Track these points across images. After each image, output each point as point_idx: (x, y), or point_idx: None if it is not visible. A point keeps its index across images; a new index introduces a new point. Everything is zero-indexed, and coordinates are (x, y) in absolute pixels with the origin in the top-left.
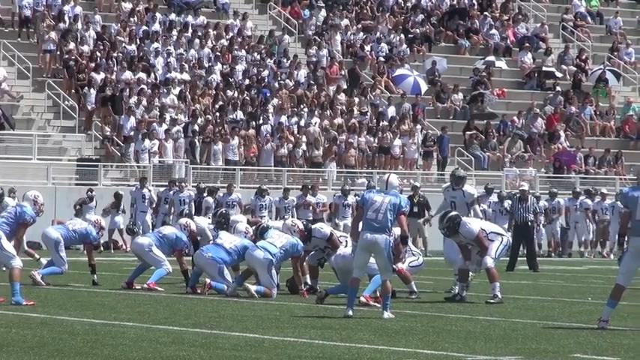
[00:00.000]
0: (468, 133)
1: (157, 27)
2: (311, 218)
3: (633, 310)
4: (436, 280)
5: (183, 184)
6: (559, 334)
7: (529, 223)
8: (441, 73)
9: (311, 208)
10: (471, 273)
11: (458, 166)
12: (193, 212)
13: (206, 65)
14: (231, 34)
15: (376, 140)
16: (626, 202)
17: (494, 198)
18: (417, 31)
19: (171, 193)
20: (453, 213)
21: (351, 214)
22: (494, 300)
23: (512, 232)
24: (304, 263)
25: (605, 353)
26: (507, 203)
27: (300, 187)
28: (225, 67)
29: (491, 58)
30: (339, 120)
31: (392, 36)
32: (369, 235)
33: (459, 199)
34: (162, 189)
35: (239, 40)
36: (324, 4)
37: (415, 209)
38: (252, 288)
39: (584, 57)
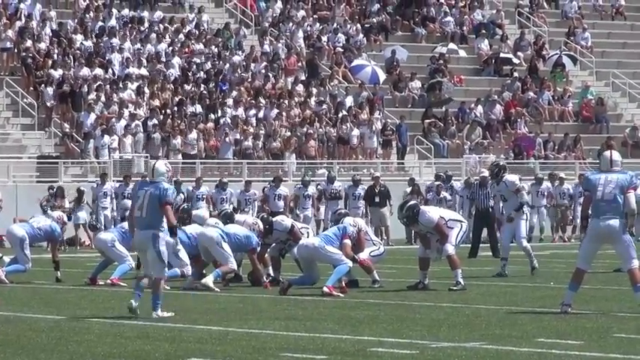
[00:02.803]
0: (426, 121)
1: (113, 22)
2: (282, 210)
3: (595, 293)
4: (398, 268)
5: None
6: (522, 320)
7: (490, 209)
8: (400, 63)
9: (282, 199)
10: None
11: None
12: None
13: (164, 60)
14: (188, 27)
15: (335, 130)
16: (587, 186)
17: (457, 185)
18: (374, 20)
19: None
20: (412, 202)
21: (312, 205)
22: (457, 287)
23: (474, 219)
24: (265, 255)
25: (569, 337)
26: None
27: (260, 179)
28: (183, 61)
29: (453, 46)
30: (297, 111)
31: (348, 26)
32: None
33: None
34: (118, 185)
35: (196, 33)
36: None
37: (377, 199)
38: (209, 280)
39: (540, 42)
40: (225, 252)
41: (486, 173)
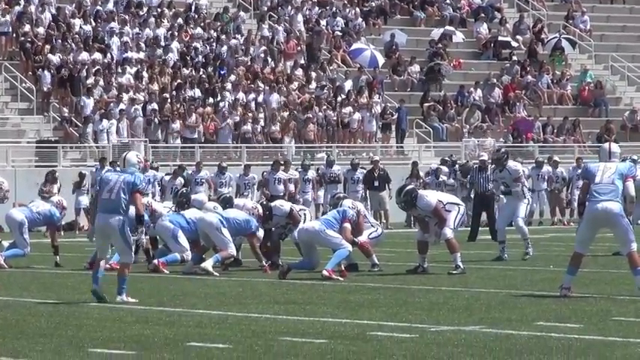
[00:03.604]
0: (426, 104)
1: (111, 7)
2: (282, 194)
3: (595, 276)
4: (398, 252)
5: (147, 162)
6: (522, 303)
7: (488, 193)
8: (400, 47)
9: (282, 183)
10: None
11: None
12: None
13: (163, 44)
14: (186, 12)
15: (335, 114)
16: (586, 175)
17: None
18: (373, 4)
19: None
20: (410, 187)
21: (312, 189)
22: (457, 271)
23: (473, 202)
24: (268, 243)
25: (568, 320)
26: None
27: (262, 163)
28: (182, 45)
29: (450, 28)
30: (297, 94)
31: (347, 10)
32: None
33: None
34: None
35: (195, 17)
36: None
37: (376, 183)
38: (209, 264)
39: (539, 26)
40: (224, 237)
41: (486, 157)
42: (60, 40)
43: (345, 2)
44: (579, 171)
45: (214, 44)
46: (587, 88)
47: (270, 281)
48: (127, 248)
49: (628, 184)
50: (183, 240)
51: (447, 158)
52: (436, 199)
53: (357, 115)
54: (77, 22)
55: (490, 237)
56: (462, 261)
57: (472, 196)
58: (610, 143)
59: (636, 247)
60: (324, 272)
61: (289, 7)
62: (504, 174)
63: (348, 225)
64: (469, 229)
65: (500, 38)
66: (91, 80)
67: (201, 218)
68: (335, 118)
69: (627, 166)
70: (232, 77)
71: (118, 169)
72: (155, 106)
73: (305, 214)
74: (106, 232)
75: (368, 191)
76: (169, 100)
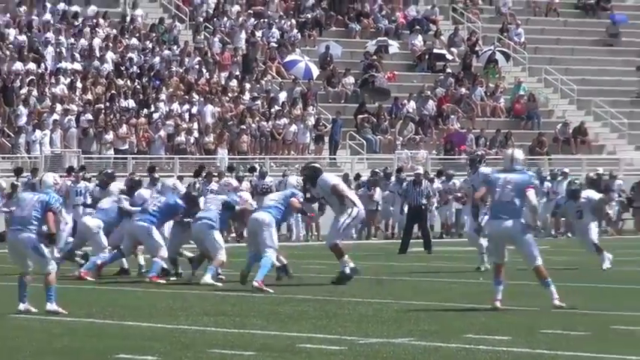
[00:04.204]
0: (359, 116)
1: (47, 17)
2: None
3: (522, 289)
4: (327, 264)
5: (80, 174)
6: (451, 315)
7: (422, 207)
8: (334, 58)
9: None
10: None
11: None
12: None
13: (97, 54)
14: (121, 23)
15: (269, 125)
16: (487, 183)
17: (392, 179)
18: (308, 16)
19: (69, 183)
20: (317, 164)
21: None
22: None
23: (407, 215)
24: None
25: (497, 333)
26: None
27: (193, 174)
28: (117, 55)
29: (383, 39)
30: (231, 106)
31: (283, 22)
32: None
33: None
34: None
35: (130, 28)
36: None
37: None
38: (208, 279)
39: (474, 38)
40: (217, 242)
41: (421, 170)
42: None
43: (281, 14)
44: None
45: (149, 55)
46: (520, 100)
47: (200, 293)
48: (44, 260)
49: (528, 194)
50: (157, 236)
51: (377, 170)
52: (339, 181)
53: (292, 127)
54: (12, 31)
55: (423, 249)
56: (349, 265)
57: (405, 208)
58: (513, 149)
59: (541, 260)
60: (255, 284)
61: (225, 19)
62: (474, 177)
63: (295, 200)
64: (400, 241)
65: (434, 50)
66: (24, 90)
67: (194, 228)
68: (269, 130)
69: (526, 178)
70: (167, 88)
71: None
72: (89, 116)
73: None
74: (17, 248)
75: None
76: (103, 111)
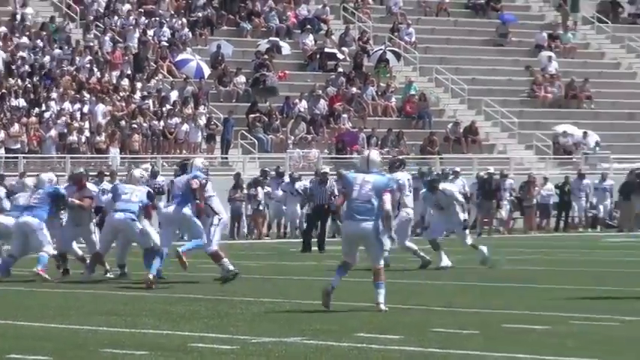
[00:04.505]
0: (251, 116)
1: None
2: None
3: (414, 288)
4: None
5: None
6: (343, 314)
7: (326, 206)
8: (226, 58)
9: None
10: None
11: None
12: None
13: None
14: (11, 21)
15: (160, 124)
16: (344, 184)
17: (286, 179)
18: (199, 14)
19: None
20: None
21: None
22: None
23: (311, 214)
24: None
25: (389, 332)
26: (300, 184)
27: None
28: (7, 54)
29: (275, 39)
30: (122, 105)
31: (174, 20)
32: None
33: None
34: None
35: (21, 27)
36: None
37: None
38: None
39: (365, 38)
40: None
41: (327, 169)
42: None
43: (172, 12)
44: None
45: (40, 54)
46: (411, 100)
47: (93, 292)
48: None
49: (385, 198)
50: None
51: (266, 169)
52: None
53: (184, 127)
54: None
55: (318, 248)
56: (229, 268)
57: (304, 209)
58: (370, 151)
59: (383, 263)
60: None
61: (115, 17)
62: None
63: (193, 180)
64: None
65: (326, 50)
66: None
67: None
68: (160, 129)
69: (384, 180)
70: (58, 87)
71: None
72: None
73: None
74: None
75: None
76: None
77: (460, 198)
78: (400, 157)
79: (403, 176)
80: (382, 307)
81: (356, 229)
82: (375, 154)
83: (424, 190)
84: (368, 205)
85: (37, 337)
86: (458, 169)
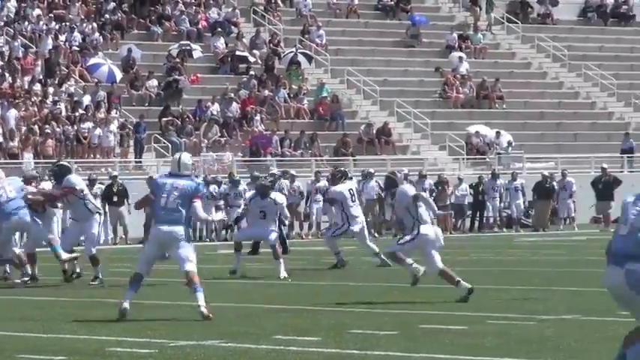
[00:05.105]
0: (164, 119)
1: None
2: None
3: (331, 289)
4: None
5: None
6: (260, 317)
7: None
8: (137, 61)
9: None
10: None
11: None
12: None
13: None
14: None
15: (74, 129)
16: (153, 188)
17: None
18: (110, 18)
19: None
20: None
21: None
22: (96, 282)
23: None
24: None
25: (306, 334)
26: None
27: None
28: None
29: (186, 42)
30: (35, 110)
31: (85, 25)
32: None
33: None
34: None
35: None
36: None
37: (115, 198)
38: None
39: (276, 40)
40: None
41: (276, 171)
42: None
43: (82, 17)
44: (318, 184)
45: None
46: (323, 102)
47: (8, 298)
48: None
49: (196, 205)
50: None
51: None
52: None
53: (97, 131)
54: None
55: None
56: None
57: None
58: (181, 154)
59: (194, 267)
60: None
61: (26, 22)
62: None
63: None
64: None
65: (237, 53)
66: None
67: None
68: (74, 133)
69: (194, 185)
70: None
71: None
72: None
73: None
74: None
75: (107, 206)
76: None
77: (286, 212)
78: (342, 168)
79: (345, 187)
80: (204, 310)
81: (165, 233)
82: (186, 157)
83: (253, 192)
84: (175, 212)
85: None
86: (372, 170)
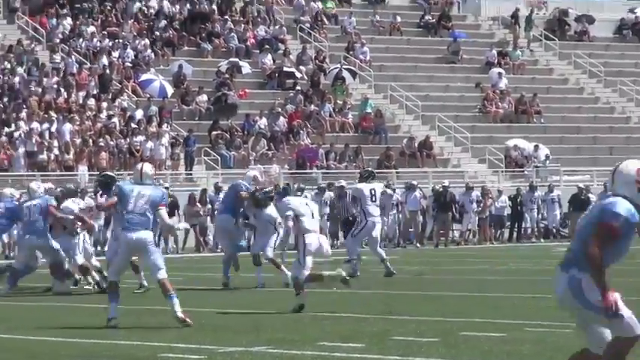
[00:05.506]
0: (213, 133)
1: None
2: None
3: (373, 297)
4: (185, 277)
5: None
6: (305, 324)
7: (350, 218)
8: (187, 77)
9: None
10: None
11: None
12: None
13: None
14: None
15: (126, 142)
16: (120, 195)
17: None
18: (161, 35)
19: None
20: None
21: None
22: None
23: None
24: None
25: (350, 340)
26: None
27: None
28: None
29: (235, 59)
30: (89, 124)
31: (137, 42)
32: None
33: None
34: None
35: None
36: (70, 13)
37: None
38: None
39: (321, 57)
40: None
41: (344, 183)
42: None
43: (135, 34)
44: None
45: (8, 75)
46: (367, 116)
47: (65, 305)
48: None
49: (161, 212)
50: None
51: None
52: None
53: (149, 144)
54: None
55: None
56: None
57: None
58: (143, 164)
59: (166, 274)
60: None
61: (81, 40)
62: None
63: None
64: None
65: (284, 69)
66: None
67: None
68: (126, 146)
69: (159, 194)
70: (26, 107)
71: None
72: None
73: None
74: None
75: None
76: None
77: (279, 228)
78: (370, 169)
79: (366, 186)
80: (179, 314)
81: (134, 239)
82: (147, 167)
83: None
84: (143, 217)
85: (11, 349)
86: (415, 182)
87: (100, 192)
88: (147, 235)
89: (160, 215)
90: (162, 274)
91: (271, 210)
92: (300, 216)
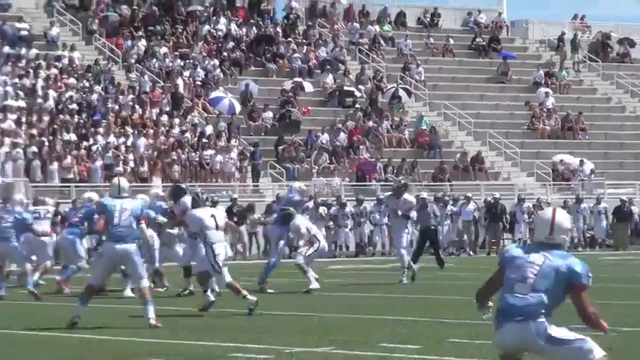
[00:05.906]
0: (279, 147)
1: None
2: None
3: (429, 302)
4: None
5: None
6: (367, 326)
7: (433, 227)
8: (254, 95)
9: None
10: None
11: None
12: None
13: (40, 93)
14: (61, 64)
15: (197, 155)
16: (103, 210)
17: (310, 204)
18: (229, 56)
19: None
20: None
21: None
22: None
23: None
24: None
25: (408, 342)
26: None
27: None
28: (57, 94)
29: (298, 79)
30: (163, 138)
31: (206, 62)
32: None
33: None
34: None
35: (69, 69)
36: (144, 35)
37: (235, 219)
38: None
39: (379, 77)
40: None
41: (425, 195)
42: None
43: (204, 55)
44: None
45: (87, 93)
46: (422, 132)
47: (137, 308)
48: None
49: (142, 227)
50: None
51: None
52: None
53: (218, 157)
54: None
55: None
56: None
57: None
58: (119, 178)
59: (147, 283)
60: None
61: (154, 60)
62: (400, 202)
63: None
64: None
65: (344, 88)
66: None
67: None
68: (197, 160)
69: (140, 206)
70: (104, 122)
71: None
72: (35, 149)
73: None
74: None
75: None
76: (47, 144)
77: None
78: (403, 181)
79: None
80: (152, 322)
81: (119, 250)
82: (124, 181)
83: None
84: (129, 229)
85: (88, 349)
86: (469, 194)
87: (172, 202)
88: (131, 247)
89: (140, 229)
90: (145, 283)
91: (300, 220)
92: (205, 229)
